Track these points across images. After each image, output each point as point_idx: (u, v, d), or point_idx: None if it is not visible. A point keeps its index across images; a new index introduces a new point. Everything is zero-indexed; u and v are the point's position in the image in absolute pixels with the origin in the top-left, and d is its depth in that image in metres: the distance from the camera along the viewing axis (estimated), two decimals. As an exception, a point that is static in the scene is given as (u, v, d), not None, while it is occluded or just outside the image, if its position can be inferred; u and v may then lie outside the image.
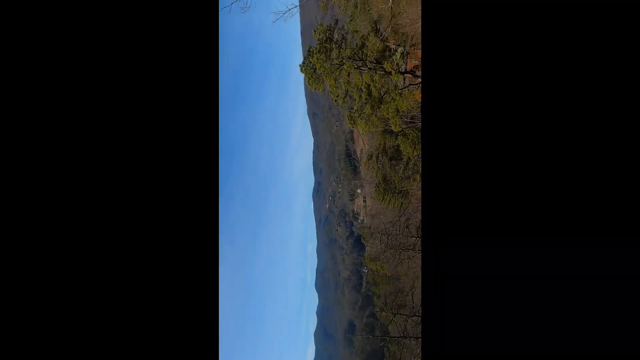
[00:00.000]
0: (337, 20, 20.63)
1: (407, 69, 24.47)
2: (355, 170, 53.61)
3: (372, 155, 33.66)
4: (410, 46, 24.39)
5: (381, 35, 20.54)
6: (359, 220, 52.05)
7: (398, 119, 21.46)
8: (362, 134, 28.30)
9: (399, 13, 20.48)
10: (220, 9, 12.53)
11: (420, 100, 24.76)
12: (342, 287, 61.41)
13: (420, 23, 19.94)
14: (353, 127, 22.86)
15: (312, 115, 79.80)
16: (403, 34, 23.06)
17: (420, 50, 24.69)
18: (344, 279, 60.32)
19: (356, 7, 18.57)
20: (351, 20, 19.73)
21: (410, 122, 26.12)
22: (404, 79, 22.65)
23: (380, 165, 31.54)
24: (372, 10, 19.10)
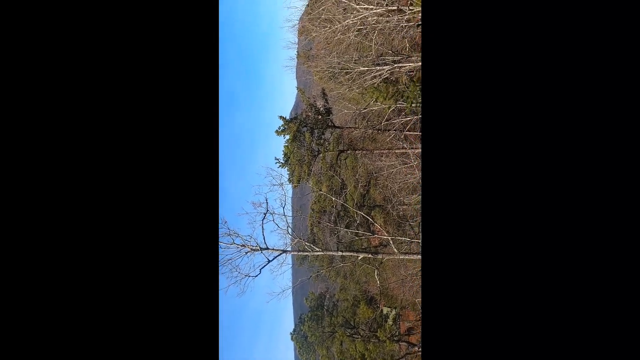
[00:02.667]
0: (327, 288, 21.47)
1: (401, 333, 23.73)
2: None
3: None
4: (402, 308, 24.54)
5: (371, 303, 20.95)
6: None
7: (400, 396, 19.10)
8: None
9: (385, 279, 21.58)
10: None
11: (420, 370, 22.85)
12: None
13: (406, 287, 20.77)
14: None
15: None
16: (392, 296, 23.61)
17: (411, 312, 24.67)
18: None
19: (345, 277, 19.64)
20: (341, 290, 20.46)
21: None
22: (399, 347, 21.62)
23: None
24: (360, 280, 20.11)
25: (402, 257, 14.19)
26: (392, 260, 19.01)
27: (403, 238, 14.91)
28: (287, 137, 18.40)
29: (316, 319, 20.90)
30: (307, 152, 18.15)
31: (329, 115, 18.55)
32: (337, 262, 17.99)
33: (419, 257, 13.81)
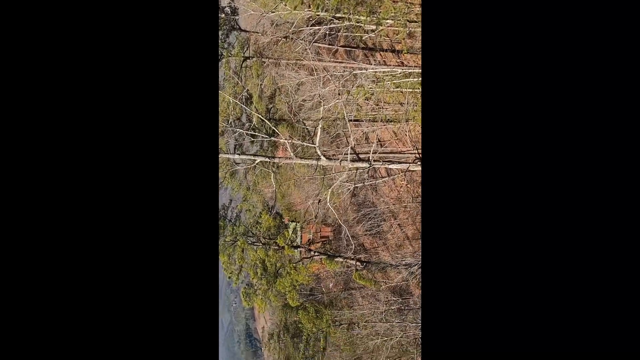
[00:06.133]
0: (230, 199, 21.66)
1: (302, 243, 25.49)
2: (256, 353, 48.49)
3: (273, 334, 31.21)
4: (304, 222, 26.09)
5: (273, 212, 21.80)
6: (263, 417, 44.31)
7: (295, 293, 21.04)
8: (260, 311, 26.69)
9: (288, 194, 22.41)
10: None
11: (315, 272, 25.10)
12: None
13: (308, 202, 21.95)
14: (248, 304, 21.59)
15: (210, 292, 74.56)
16: (296, 211, 24.82)
17: (313, 225, 26.45)
18: None
19: (248, 189, 19.90)
20: (244, 200, 20.81)
21: (309, 295, 25.73)
22: (300, 253, 23.32)
23: (283, 345, 29.06)
24: (264, 191, 20.60)
25: (298, 161, 14.68)
26: (294, 176, 19.60)
27: (300, 142, 15.27)
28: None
29: (219, 228, 21.22)
30: (210, 55, 16.86)
31: (234, 15, 17.18)
32: (240, 174, 17.99)
33: (315, 161, 14.41)
